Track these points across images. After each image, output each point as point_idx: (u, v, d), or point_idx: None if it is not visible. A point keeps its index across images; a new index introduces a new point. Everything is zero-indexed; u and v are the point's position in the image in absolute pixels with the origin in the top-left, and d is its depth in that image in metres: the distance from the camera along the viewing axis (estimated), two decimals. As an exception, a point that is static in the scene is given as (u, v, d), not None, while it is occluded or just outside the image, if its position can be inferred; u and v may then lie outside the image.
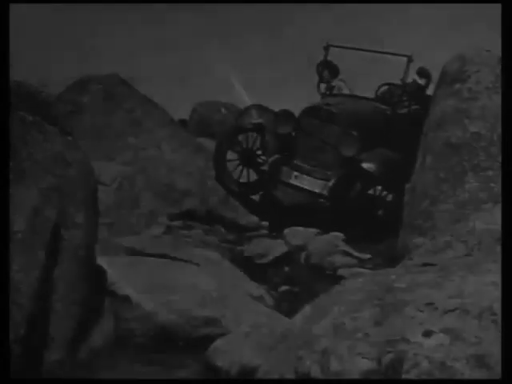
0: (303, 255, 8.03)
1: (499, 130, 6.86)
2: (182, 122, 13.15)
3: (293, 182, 9.28)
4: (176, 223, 9.31)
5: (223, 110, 13.96)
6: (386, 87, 10.14)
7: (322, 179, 9.08)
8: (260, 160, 9.73)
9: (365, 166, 8.89)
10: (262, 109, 10.02)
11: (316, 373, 4.00)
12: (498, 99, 6.99)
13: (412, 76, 10.10)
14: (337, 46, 10.29)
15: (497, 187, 6.73)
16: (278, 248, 8.18)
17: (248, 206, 9.63)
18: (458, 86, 7.34)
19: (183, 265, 6.60)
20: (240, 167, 9.93)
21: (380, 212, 9.02)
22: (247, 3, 18.04)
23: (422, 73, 10.10)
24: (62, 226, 5.49)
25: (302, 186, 9.21)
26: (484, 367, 3.70)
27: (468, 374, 3.69)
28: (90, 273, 5.77)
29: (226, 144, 9.88)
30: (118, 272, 6.25)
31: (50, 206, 5.40)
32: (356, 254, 8.02)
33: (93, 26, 17.97)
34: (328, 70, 10.20)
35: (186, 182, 9.73)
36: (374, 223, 8.79)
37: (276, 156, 9.38)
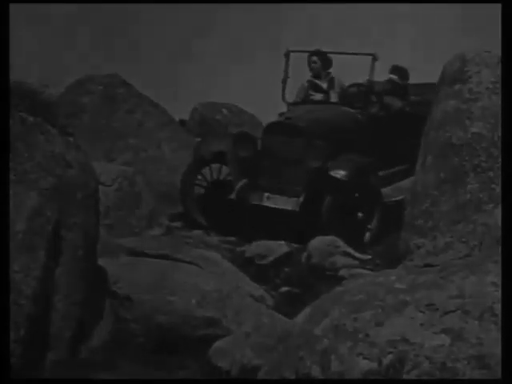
0: (304, 256, 8.02)
1: (500, 130, 6.86)
2: (182, 122, 13.11)
3: (265, 203, 8.95)
4: (176, 224, 9.30)
5: (224, 110, 13.92)
6: (352, 89, 9.91)
7: (293, 196, 8.83)
8: (228, 189, 9.11)
9: (332, 173, 8.60)
10: (219, 135, 9.77)
11: (317, 373, 4.00)
12: (498, 100, 6.98)
13: (388, 75, 10.02)
14: (297, 51, 9.93)
15: (498, 188, 6.73)
16: (278, 249, 8.17)
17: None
18: (458, 86, 7.32)
19: (184, 265, 6.59)
20: (210, 201, 9.33)
21: (360, 215, 8.81)
22: (242, 3, 17.97)
23: (396, 70, 10.02)
24: (63, 227, 5.49)
25: (275, 206, 8.89)
26: (485, 368, 3.70)
27: (469, 374, 3.69)
28: (91, 273, 5.77)
29: (189, 182, 9.34)
30: (118, 272, 6.25)
31: (50, 206, 5.39)
32: (357, 254, 8.00)
33: (93, 26, 17.96)
34: (321, 60, 9.89)
35: (187, 183, 9.67)
36: (355, 227, 8.64)
37: (243, 181, 9.10)
